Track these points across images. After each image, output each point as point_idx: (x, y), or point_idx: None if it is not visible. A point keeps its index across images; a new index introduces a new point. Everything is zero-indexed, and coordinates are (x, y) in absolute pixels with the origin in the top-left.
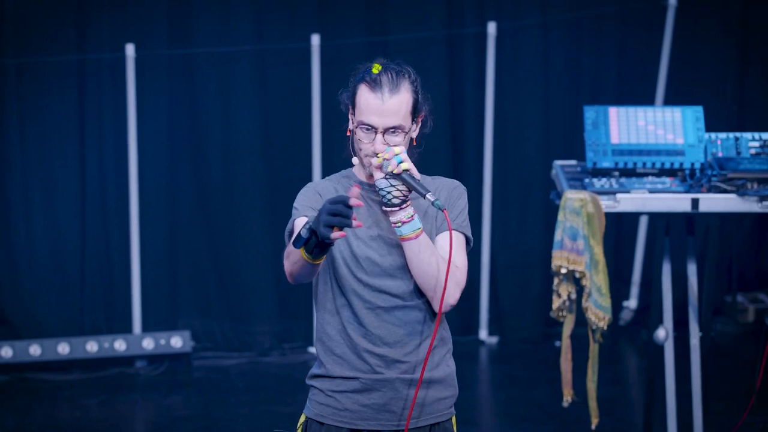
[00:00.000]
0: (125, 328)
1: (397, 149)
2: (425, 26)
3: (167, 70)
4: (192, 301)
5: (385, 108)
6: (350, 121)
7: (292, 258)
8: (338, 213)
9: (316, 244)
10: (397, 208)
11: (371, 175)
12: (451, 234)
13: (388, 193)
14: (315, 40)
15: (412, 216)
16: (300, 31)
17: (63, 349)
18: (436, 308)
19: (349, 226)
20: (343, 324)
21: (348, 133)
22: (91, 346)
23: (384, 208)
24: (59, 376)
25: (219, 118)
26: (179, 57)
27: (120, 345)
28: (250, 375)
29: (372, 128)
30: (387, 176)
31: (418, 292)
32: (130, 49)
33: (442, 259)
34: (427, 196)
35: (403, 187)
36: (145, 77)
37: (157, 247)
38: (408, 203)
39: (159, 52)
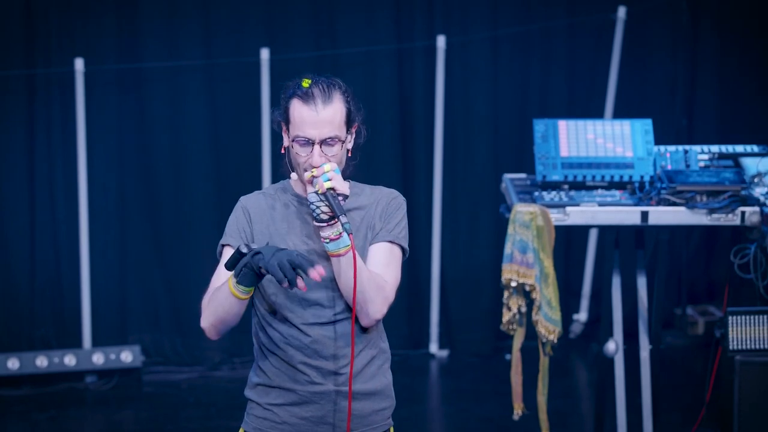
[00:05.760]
0: (75, 342)
1: (327, 167)
2: (375, 40)
3: (117, 85)
4: (142, 315)
5: (320, 119)
6: (284, 138)
7: (219, 299)
8: (295, 265)
9: (250, 275)
10: (325, 224)
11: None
12: (355, 259)
13: (317, 208)
14: (264, 54)
15: (339, 234)
16: (249, 45)
17: (12, 364)
18: (362, 322)
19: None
20: (279, 336)
21: (282, 151)
22: (41, 361)
23: (314, 223)
24: (9, 392)
25: (169, 132)
26: (129, 71)
27: (70, 360)
28: (201, 389)
29: (308, 141)
30: (317, 192)
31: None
32: (79, 64)
33: (369, 274)
34: (340, 218)
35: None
36: (95, 91)
37: (107, 261)
38: (335, 221)
39: (108, 66)
